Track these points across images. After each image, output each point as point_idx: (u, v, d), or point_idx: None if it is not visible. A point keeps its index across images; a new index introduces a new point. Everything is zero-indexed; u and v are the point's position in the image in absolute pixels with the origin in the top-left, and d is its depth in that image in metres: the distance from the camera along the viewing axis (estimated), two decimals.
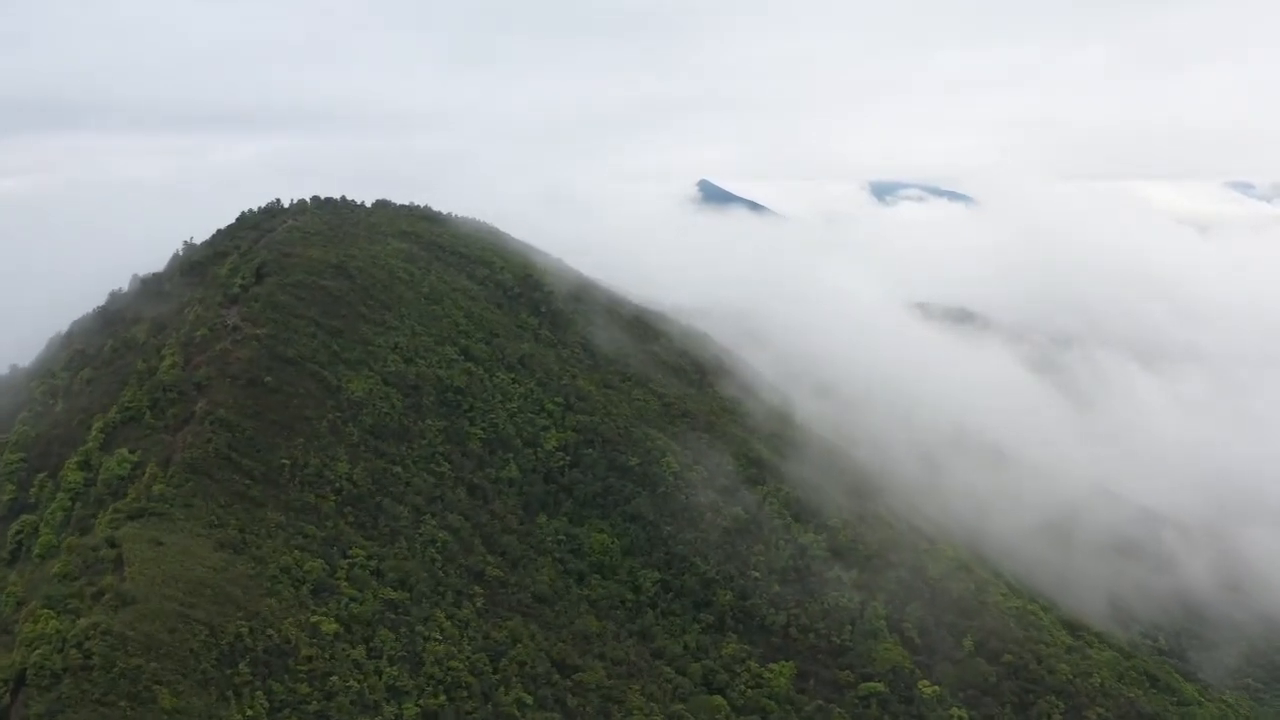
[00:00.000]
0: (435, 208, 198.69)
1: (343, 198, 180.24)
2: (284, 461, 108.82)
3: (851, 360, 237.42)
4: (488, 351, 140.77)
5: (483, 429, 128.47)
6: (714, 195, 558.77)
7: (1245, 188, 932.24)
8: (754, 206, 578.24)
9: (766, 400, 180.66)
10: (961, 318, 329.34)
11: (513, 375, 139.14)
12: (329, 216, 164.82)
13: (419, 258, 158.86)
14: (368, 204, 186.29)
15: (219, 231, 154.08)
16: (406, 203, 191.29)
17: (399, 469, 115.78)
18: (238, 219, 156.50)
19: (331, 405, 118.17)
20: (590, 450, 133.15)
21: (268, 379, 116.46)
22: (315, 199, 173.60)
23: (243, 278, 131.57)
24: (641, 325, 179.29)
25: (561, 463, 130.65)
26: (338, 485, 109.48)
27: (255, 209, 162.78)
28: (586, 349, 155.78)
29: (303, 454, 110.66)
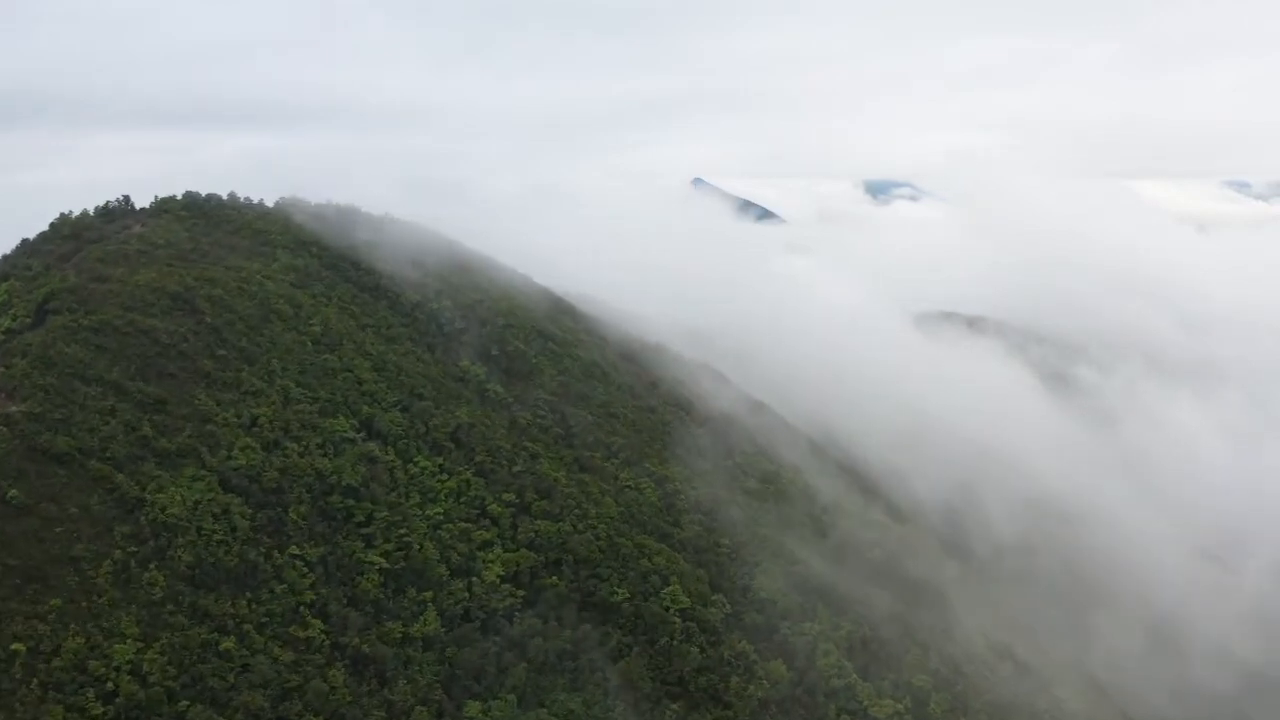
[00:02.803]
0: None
1: (230, 195, 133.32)
2: (15, 647, 62.88)
3: (862, 388, 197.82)
4: (403, 424, 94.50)
5: (386, 555, 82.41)
6: (708, 194, 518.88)
7: (1242, 186, 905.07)
8: (748, 205, 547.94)
9: (790, 463, 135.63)
10: (964, 324, 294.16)
11: (440, 460, 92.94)
12: (197, 221, 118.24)
13: (319, 279, 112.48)
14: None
15: (24, 242, 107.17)
16: (323, 201, 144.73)
17: (230, 643, 69.66)
18: (51, 225, 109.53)
19: (124, 534, 71.94)
20: (556, 580, 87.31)
21: (13, 493, 70.21)
22: (189, 194, 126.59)
23: (15, 317, 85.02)
24: (632, 366, 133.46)
25: (510, 602, 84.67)
26: (112, 686, 63.57)
27: (91, 210, 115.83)
28: (554, 409, 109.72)
29: (54, 630, 64.65)
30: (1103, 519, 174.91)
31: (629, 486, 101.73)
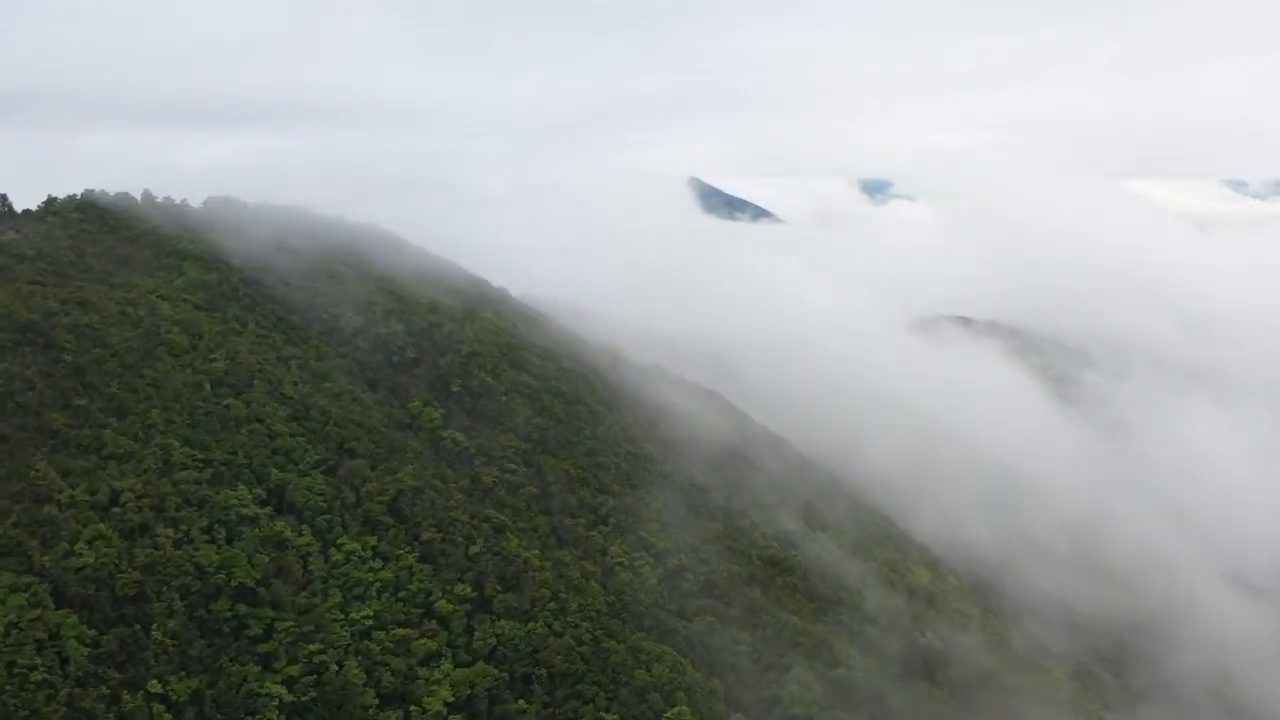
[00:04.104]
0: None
1: (145, 193, 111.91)
2: None
3: (862, 392, 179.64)
4: (326, 492, 72.54)
5: (290, 682, 60.45)
6: (705, 194, 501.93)
7: (1239, 184, 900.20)
8: (744, 205, 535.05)
9: (809, 508, 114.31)
10: (965, 327, 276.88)
11: (373, 541, 71.02)
12: (89, 226, 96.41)
13: (233, 299, 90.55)
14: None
15: None
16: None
17: None
18: None
19: None
20: (523, 704, 65.46)
21: None
22: (88, 194, 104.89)
23: None
24: (624, 399, 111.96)
25: None
26: None
27: None
28: (528, 460, 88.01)
29: None
30: (1136, 549, 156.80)
31: (621, 564, 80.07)
